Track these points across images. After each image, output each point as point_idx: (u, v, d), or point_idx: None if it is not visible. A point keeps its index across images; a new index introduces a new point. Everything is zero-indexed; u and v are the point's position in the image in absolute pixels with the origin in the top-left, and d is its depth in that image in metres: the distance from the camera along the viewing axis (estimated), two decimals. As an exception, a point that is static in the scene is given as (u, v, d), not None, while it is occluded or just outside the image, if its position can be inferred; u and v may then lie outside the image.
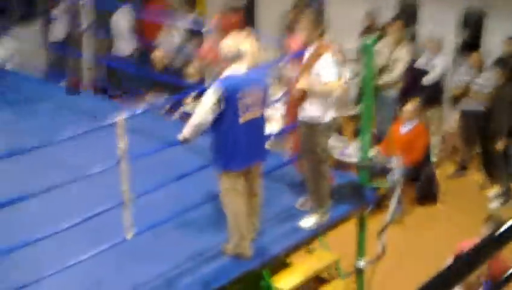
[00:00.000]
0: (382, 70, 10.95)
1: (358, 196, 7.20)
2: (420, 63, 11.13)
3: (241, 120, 5.85)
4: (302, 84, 6.46)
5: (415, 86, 10.87)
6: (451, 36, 11.69)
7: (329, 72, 6.40)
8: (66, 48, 12.03)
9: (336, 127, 9.29)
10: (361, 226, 7.32)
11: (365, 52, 7.06)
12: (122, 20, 12.27)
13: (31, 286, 5.30)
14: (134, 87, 11.40)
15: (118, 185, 5.77)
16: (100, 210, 5.74)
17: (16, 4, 12.82)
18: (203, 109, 5.83)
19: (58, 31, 12.28)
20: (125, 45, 12.20)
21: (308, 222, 6.71)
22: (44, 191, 5.44)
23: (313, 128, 6.55)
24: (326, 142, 6.71)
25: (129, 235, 5.83)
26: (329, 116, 6.57)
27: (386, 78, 11.01)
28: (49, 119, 9.11)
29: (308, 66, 6.48)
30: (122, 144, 5.66)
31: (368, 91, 7.16)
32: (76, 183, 5.71)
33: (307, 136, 6.62)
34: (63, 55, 11.95)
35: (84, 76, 10.98)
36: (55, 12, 12.18)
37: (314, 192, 6.74)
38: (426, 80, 10.93)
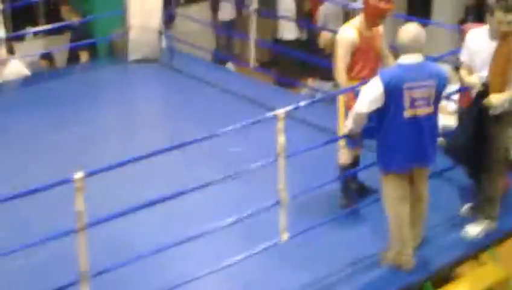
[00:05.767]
0: None
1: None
2: None
3: (406, 115, 5.37)
4: None
5: None
6: None
7: None
8: (234, 29, 11.93)
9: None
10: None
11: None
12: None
13: (181, 285, 5.14)
14: (298, 73, 11.07)
15: (273, 182, 5.54)
16: (255, 210, 5.52)
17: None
18: (363, 99, 5.48)
19: (227, 11, 12.17)
20: (290, 29, 11.79)
21: (475, 229, 6.16)
22: (199, 187, 5.27)
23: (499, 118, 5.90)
24: (509, 138, 6.05)
25: (284, 238, 5.55)
26: None
27: None
28: (212, 105, 8.96)
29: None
30: (281, 139, 5.42)
31: None
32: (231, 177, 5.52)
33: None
34: (230, 36, 11.87)
35: (250, 60, 10.64)
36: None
37: (483, 196, 6.17)
38: None
